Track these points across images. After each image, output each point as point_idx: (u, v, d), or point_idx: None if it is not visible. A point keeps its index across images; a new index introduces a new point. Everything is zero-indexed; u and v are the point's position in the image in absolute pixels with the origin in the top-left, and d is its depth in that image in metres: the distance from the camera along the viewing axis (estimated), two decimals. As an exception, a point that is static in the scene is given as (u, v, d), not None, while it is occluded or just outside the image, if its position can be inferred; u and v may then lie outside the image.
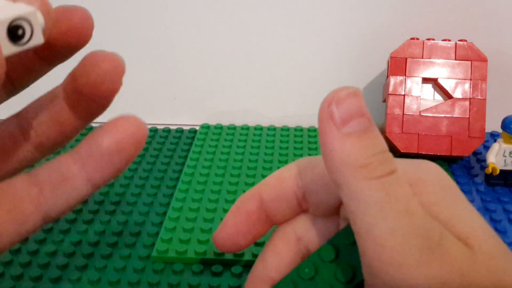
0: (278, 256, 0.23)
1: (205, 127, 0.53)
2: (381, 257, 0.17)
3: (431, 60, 0.45)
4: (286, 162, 0.46)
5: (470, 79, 0.44)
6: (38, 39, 0.16)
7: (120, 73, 0.18)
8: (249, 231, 0.23)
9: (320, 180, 0.22)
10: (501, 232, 0.37)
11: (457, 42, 0.45)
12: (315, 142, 0.50)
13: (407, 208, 0.18)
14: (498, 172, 0.41)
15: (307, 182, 0.22)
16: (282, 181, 0.23)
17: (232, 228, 0.23)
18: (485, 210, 0.39)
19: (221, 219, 0.37)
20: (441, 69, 0.45)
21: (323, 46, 0.52)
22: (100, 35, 0.53)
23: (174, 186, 0.42)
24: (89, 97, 0.18)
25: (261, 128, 0.53)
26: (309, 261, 0.21)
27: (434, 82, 0.45)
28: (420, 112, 0.44)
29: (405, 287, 0.17)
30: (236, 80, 0.54)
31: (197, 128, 0.53)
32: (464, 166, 0.45)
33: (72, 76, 0.18)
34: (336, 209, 0.22)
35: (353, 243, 0.19)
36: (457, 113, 0.44)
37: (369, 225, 0.18)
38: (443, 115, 0.44)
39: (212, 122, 0.55)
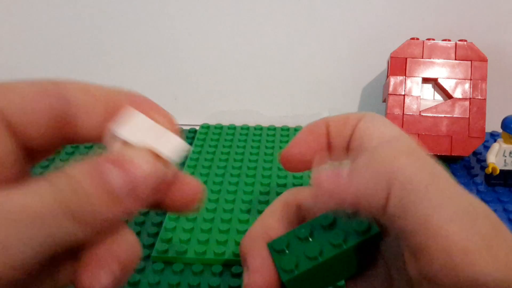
0: (277, 218, 0.23)
1: (205, 127, 0.53)
2: (446, 248, 0.17)
3: (431, 60, 0.45)
4: (286, 162, 0.46)
5: (470, 79, 0.44)
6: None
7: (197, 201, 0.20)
8: (315, 152, 0.23)
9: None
10: (501, 232, 0.37)
11: (457, 42, 0.45)
12: (315, 142, 0.50)
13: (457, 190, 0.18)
14: (498, 172, 0.41)
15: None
16: (347, 121, 0.23)
17: (303, 144, 0.24)
18: (485, 210, 0.39)
19: (222, 219, 0.37)
20: (441, 69, 0.45)
21: (323, 46, 0.52)
22: (101, 35, 0.54)
23: (174, 186, 0.42)
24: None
25: (261, 128, 0.53)
26: (307, 224, 0.22)
27: (434, 82, 0.45)
28: (420, 112, 0.44)
29: (474, 278, 0.17)
30: (236, 80, 0.54)
31: (197, 128, 0.53)
32: (464, 166, 0.45)
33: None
34: None
35: (351, 216, 0.21)
36: (457, 113, 0.44)
37: (426, 216, 0.18)
38: (443, 115, 0.44)
39: (212, 122, 0.54)
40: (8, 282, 0.14)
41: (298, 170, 0.24)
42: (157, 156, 0.17)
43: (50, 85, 0.18)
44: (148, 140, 0.17)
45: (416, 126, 0.44)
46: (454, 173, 0.44)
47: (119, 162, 0.16)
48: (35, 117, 0.17)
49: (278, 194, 0.40)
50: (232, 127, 0.53)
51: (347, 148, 0.23)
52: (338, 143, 0.23)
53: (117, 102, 0.19)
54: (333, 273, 0.21)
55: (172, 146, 0.18)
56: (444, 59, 0.45)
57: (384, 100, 0.46)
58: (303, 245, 0.21)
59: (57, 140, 0.18)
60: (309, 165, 0.23)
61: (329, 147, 0.24)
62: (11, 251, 0.14)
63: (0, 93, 0.17)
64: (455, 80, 0.44)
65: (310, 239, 0.21)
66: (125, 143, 0.17)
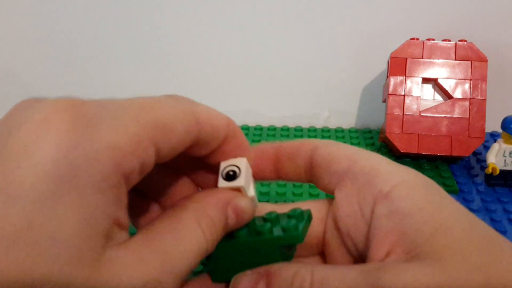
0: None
1: (205, 127, 0.53)
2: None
3: (431, 60, 0.45)
4: (286, 162, 0.46)
5: (470, 79, 0.44)
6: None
7: None
8: (259, 166, 0.25)
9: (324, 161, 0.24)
10: (501, 232, 0.36)
11: (457, 42, 0.45)
12: (315, 142, 0.50)
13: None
14: (498, 172, 0.41)
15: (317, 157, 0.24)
16: (300, 146, 0.25)
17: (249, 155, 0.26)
18: (485, 210, 0.39)
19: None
20: (441, 69, 0.45)
21: (323, 46, 0.52)
22: (101, 35, 0.54)
23: (174, 186, 0.42)
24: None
25: (261, 128, 0.53)
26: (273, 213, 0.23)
27: (434, 82, 0.45)
28: (420, 112, 0.44)
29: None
30: (236, 80, 0.54)
31: (197, 128, 0.53)
32: (464, 166, 0.45)
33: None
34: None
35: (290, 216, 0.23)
36: (457, 113, 0.44)
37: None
38: (443, 115, 0.44)
39: (212, 122, 0.54)
40: None
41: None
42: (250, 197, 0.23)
43: (187, 105, 0.20)
44: (248, 186, 0.22)
45: (416, 126, 0.44)
46: (454, 173, 0.44)
47: (237, 211, 0.22)
48: (175, 140, 0.19)
49: (278, 194, 0.40)
50: (232, 127, 0.53)
51: (306, 173, 0.25)
52: (290, 166, 0.25)
53: (232, 133, 0.22)
54: (253, 258, 0.22)
55: (251, 188, 0.23)
56: (444, 59, 0.45)
57: (384, 100, 0.46)
58: (235, 232, 0.23)
59: (180, 160, 0.21)
60: (259, 176, 0.25)
61: (279, 167, 0.25)
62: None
63: (148, 110, 0.18)
64: (455, 80, 0.44)
65: (246, 229, 0.23)
66: (238, 188, 0.22)
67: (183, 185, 0.24)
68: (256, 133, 0.52)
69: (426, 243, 0.19)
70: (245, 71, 0.54)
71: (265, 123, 0.54)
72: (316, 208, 0.24)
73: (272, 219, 0.22)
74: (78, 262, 0.16)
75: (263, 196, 0.40)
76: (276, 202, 0.39)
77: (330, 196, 0.24)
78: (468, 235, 0.19)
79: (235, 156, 0.22)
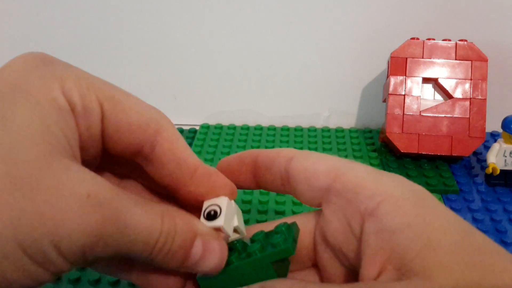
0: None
1: (205, 127, 0.53)
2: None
3: (431, 60, 0.45)
4: (286, 162, 0.46)
5: (470, 79, 0.44)
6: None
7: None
8: (237, 175, 0.25)
9: (303, 173, 0.23)
10: (501, 232, 0.37)
11: (458, 42, 0.45)
12: (315, 142, 0.50)
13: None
14: (498, 172, 0.41)
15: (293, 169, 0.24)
16: (277, 157, 0.24)
17: (226, 164, 0.26)
18: (485, 210, 0.39)
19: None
20: (441, 69, 0.45)
21: (323, 46, 0.52)
22: (101, 35, 0.54)
23: (174, 186, 0.42)
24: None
25: (261, 128, 0.53)
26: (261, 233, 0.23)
27: (434, 82, 0.45)
28: (420, 112, 0.44)
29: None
30: (236, 80, 0.54)
31: (197, 128, 0.53)
32: (464, 166, 0.45)
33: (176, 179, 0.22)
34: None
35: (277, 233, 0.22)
36: (457, 113, 0.44)
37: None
38: (443, 115, 0.44)
39: (212, 122, 0.54)
40: None
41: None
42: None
43: (155, 119, 0.21)
44: (230, 222, 0.22)
45: (416, 126, 0.44)
46: (454, 173, 0.44)
47: (206, 246, 0.21)
48: (123, 144, 0.20)
49: (260, 202, 0.40)
50: (232, 127, 0.53)
51: (283, 184, 0.24)
52: (268, 177, 0.25)
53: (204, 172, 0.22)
54: (248, 280, 0.22)
55: (232, 226, 0.23)
56: (445, 59, 0.45)
57: (384, 100, 0.46)
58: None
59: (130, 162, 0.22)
60: (239, 185, 0.25)
61: (258, 177, 0.25)
62: None
63: (117, 104, 0.20)
64: (455, 80, 0.44)
65: (236, 253, 0.22)
66: (218, 228, 0.22)
67: None
68: (256, 133, 0.52)
69: (415, 260, 0.18)
70: (245, 71, 0.54)
71: (265, 123, 0.54)
72: (302, 221, 0.24)
73: (260, 238, 0.22)
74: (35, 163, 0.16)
75: (245, 204, 0.39)
76: (258, 210, 0.39)
77: (312, 208, 0.24)
78: (458, 249, 0.19)
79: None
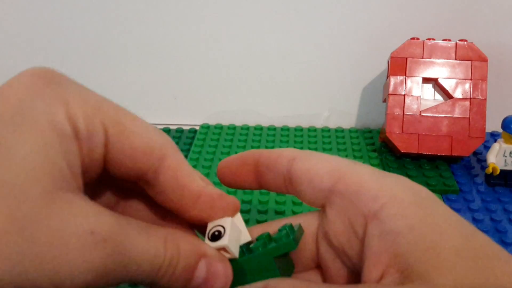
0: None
1: (205, 127, 0.53)
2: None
3: (431, 60, 0.45)
4: (286, 162, 0.46)
5: (470, 79, 0.44)
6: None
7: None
8: (239, 176, 0.25)
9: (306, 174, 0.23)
10: (501, 232, 0.37)
11: (457, 42, 0.45)
12: (315, 142, 0.50)
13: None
14: (498, 172, 0.41)
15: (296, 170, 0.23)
16: (279, 157, 0.24)
17: (227, 165, 0.26)
18: (485, 210, 0.39)
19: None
20: (441, 69, 0.45)
21: (323, 46, 0.52)
22: (100, 35, 0.54)
23: (174, 186, 0.42)
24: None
25: (261, 128, 0.53)
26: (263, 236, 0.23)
27: (434, 82, 0.45)
28: (420, 112, 0.44)
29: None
30: (236, 80, 0.54)
31: (197, 128, 0.53)
32: (464, 166, 0.45)
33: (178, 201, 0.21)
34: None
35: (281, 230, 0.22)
36: (457, 113, 0.44)
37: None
38: (443, 115, 0.44)
39: (212, 122, 0.54)
40: None
41: (231, 187, 0.26)
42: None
43: (160, 145, 0.20)
44: (233, 246, 0.22)
45: (416, 126, 0.44)
46: (454, 173, 0.44)
47: (210, 267, 0.21)
48: (126, 169, 0.20)
49: (260, 202, 0.40)
50: (232, 127, 0.53)
51: (285, 185, 0.24)
52: (271, 177, 0.24)
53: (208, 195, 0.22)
54: (251, 279, 0.22)
55: (238, 244, 0.22)
56: (444, 59, 0.45)
57: (384, 100, 0.46)
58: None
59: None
60: (236, 185, 0.25)
61: (260, 177, 0.25)
62: None
63: (122, 129, 0.19)
64: (455, 80, 0.44)
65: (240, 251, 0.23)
66: (223, 248, 0.21)
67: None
68: (256, 133, 0.52)
69: (418, 263, 0.18)
70: (245, 71, 0.54)
71: (265, 123, 0.54)
72: (305, 221, 0.24)
73: (263, 238, 0.22)
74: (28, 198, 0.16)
75: (245, 204, 0.39)
76: (258, 210, 0.39)
77: (313, 208, 0.24)
78: (461, 252, 0.19)
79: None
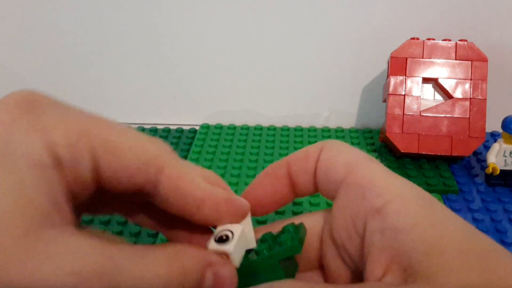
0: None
1: (205, 127, 0.53)
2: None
3: (431, 60, 0.45)
4: (286, 162, 0.46)
5: (471, 79, 0.44)
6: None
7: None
8: (275, 194, 0.24)
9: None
10: (501, 232, 0.37)
11: (458, 42, 0.45)
12: (315, 142, 0.50)
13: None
14: (498, 172, 0.41)
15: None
16: (307, 156, 0.24)
17: (259, 189, 0.24)
18: (485, 210, 0.39)
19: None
20: (441, 69, 0.45)
21: (323, 46, 0.52)
22: (100, 35, 0.54)
23: (174, 186, 0.42)
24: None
25: (261, 128, 0.53)
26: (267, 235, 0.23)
27: (434, 82, 0.45)
28: (420, 112, 0.44)
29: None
30: (236, 80, 0.54)
31: (197, 128, 0.53)
32: (464, 166, 0.45)
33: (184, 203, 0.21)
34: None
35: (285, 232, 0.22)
36: (457, 113, 0.44)
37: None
38: (443, 115, 0.44)
39: (212, 122, 0.54)
40: None
41: (260, 213, 0.25)
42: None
43: (155, 157, 0.20)
44: (237, 255, 0.22)
45: (416, 126, 0.44)
46: (454, 173, 0.44)
47: (217, 277, 0.20)
48: (123, 186, 0.20)
49: None
50: (232, 127, 0.53)
51: (314, 183, 0.23)
52: (304, 180, 0.24)
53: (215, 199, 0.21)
54: (256, 281, 0.22)
55: (242, 253, 0.22)
56: (445, 59, 0.45)
57: (384, 100, 0.46)
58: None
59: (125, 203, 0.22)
60: (273, 206, 0.24)
61: (295, 185, 0.24)
62: None
63: (112, 148, 0.19)
64: (455, 80, 0.44)
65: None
66: (226, 253, 0.21)
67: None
68: (256, 133, 0.52)
69: (421, 262, 0.18)
70: (245, 71, 0.54)
71: (265, 123, 0.54)
72: (311, 221, 0.24)
73: (267, 239, 0.22)
74: (9, 237, 0.15)
75: None
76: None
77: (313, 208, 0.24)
78: (464, 252, 0.19)
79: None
